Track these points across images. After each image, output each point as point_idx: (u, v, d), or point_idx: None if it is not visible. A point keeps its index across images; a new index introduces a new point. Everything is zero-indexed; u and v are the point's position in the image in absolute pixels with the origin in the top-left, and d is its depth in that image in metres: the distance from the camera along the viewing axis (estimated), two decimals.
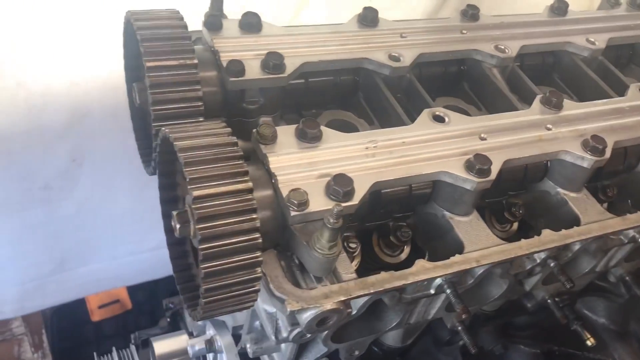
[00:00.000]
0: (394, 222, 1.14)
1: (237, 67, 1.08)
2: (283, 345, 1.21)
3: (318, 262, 0.89)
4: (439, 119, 1.13)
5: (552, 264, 1.23)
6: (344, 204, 0.92)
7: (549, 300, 1.51)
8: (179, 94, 1.01)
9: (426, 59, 1.28)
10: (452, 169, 1.03)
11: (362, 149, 1.02)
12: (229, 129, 0.91)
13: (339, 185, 0.92)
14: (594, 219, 1.16)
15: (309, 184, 0.93)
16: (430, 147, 1.06)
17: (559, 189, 1.19)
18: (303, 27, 1.26)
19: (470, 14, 1.41)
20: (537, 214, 1.24)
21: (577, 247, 1.21)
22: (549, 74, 1.50)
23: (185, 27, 1.06)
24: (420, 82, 1.29)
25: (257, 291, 0.88)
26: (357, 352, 1.30)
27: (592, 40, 1.45)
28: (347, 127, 1.20)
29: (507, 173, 1.13)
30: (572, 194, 1.19)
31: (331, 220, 0.84)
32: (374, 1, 2.19)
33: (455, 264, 1.01)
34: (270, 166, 0.95)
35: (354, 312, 1.05)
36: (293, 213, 0.89)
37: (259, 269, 0.85)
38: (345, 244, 1.06)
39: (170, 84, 1.00)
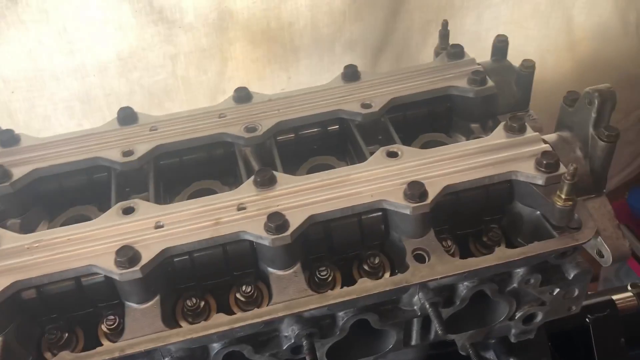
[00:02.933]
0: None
1: None
2: None
3: None
4: (127, 211, 1.20)
5: (304, 342, 1.21)
6: None
7: None
8: None
9: None
10: (101, 261, 1.10)
11: (24, 249, 1.13)
12: None
13: None
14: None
15: None
16: (88, 245, 1.13)
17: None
18: (65, 134, 1.41)
19: (239, 96, 1.46)
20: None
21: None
22: (341, 141, 1.48)
23: None
24: None
25: None
26: None
27: (368, 103, 1.41)
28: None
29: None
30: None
31: None
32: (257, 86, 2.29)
33: (97, 354, 1.06)
34: None
35: None
36: None
37: None
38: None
39: None
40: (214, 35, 2.13)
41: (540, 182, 1.20)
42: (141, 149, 1.34)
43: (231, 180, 1.44)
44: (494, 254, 1.17)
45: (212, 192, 1.37)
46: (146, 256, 1.10)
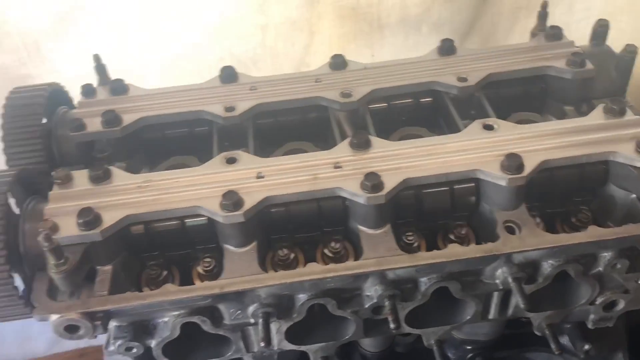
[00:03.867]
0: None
1: (76, 124, 1.36)
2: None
3: (54, 280, 1.10)
4: (230, 161, 1.26)
5: (386, 302, 1.24)
6: (88, 232, 1.12)
7: (435, 347, 1.45)
8: (22, 147, 1.32)
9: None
10: (208, 204, 1.16)
11: (134, 187, 1.21)
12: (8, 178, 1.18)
13: (82, 217, 1.12)
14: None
15: (71, 213, 1.15)
16: (194, 188, 1.20)
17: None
18: (169, 87, 1.50)
19: (336, 63, 1.51)
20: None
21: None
22: (433, 114, 1.51)
23: (42, 99, 1.38)
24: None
25: (10, 297, 1.12)
26: None
27: (464, 77, 1.43)
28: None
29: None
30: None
31: (45, 244, 1.05)
32: None
33: (198, 289, 1.13)
34: (49, 200, 1.19)
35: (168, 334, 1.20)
36: (38, 239, 1.11)
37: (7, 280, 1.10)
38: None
39: (17, 139, 1.33)
40: (304, 8, 2.18)
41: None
42: (242, 106, 1.40)
43: (321, 145, 1.48)
44: (586, 232, 1.17)
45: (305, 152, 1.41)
46: (249, 202, 1.16)
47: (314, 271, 1.15)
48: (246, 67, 2.28)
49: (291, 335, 1.30)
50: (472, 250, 1.16)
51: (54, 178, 1.23)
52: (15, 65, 2.08)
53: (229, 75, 1.48)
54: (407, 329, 1.34)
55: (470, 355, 1.57)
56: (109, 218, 1.14)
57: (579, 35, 1.58)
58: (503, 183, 1.17)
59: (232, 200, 1.14)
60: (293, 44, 2.26)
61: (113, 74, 1.55)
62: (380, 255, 1.17)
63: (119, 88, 1.47)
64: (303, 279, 1.14)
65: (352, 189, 1.17)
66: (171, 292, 1.13)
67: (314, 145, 1.45)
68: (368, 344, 1.54)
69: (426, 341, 1.44)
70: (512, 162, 1.16)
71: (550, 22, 2.37)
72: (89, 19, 2.06)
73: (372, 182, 1.15)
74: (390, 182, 1.17)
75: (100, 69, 1.51)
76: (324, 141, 1.48)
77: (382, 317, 1.31)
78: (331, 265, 1.16)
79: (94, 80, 1.55)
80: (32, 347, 3.10)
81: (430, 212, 1.27)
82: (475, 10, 2.34)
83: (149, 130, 1.44)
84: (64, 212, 1.17)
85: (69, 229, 1.13)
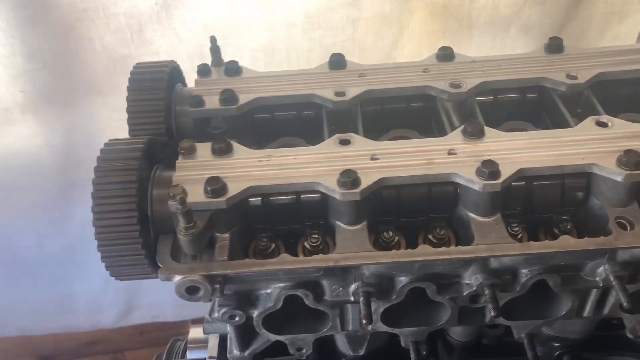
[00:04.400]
0: None
1: (196, 100, 1.43)
2: (229, 328, 1.46)
3: (181, 242, 1.16)
4: (344, 142, 1.31)
5: (486, 291, 1.26)
6: (214, 199, 1.18)
7: (525, 340, 1.46)
8: (145, 119, 1.40)
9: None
10: (326, 180, 1.21)
11: (255, 162, 1.27)
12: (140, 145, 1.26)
13: (210, 185, 1.19)
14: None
15: (196, 181, 1.22)
16: (311, 166, 1.25)
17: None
18: (280, 71, 1.55)
19: (444, 55, 1.53)
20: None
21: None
22: (536, 110, 1.52)
23: (164, 74, 1.45)
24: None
25: (137, 256, 1.19)
26: (304, 350, 1.47)
27: (574, 75, 1.43)
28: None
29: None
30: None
31: (179, 207, 1.12)
32: None
33: (314, 260, 1.17)
34: (176, 169, 1.26)
35: (271, 304, 1.26)
36: (170, 202, 1.18)
37: (137, 239, 1.17)
38: None
39: (141, 111, 1.41)
40: (397, 3, 2.21)
41: None
42: (352, 92, 1.44)
43: (425, 134, 1.51)
44: None
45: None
46: (365, 182, 1.19)
47: (427, 252, 1.18)
48: None
49: (386, 317, 1.33)
50: (585, 243, 1.17)
51: (180, 148, 1.30)
52: (118, 45, 2.19)
53: (337, 61, 1.53)
54: (502, 319, 1.35)
55: (557, 352, 1.57)
56: (233, 188, 1.20)
57: None
58: (619, 179, 1.18)
59: (350, 178, 1.18)
60: (382, 38, 2.30)
61: (207, 58, 1.62)
62: (492, 243, 1.19)
63: (233, 69, 1.53)
64: (416, 259, 1.17)
65: (468, 176, 1.19)
66: (288, 261, 1.18)
67: (418, 134, 1.48)
68: (456, 333, 1.56)
69: (517, 334, 1.46)
70: (631, 158, 1.17)
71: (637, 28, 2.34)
72: (191, 5, 2.15)
73: (490, 169, 1.17)
74: (505, 171, 1.19)
75: (215, 49, 1.57)
76: (428, 130, 1.51)
77: (477, 306, 1.34)
78: (444, 249, 1.19)
79: (189, 65, 1.63)
80: (100, 319, 3.23)
81: (538, 204, 1.29)
82: (566, 13, 2.33)
83: (259, 111, 1.50)
84: (189, 180, 1.23)
85: (195, 195, 1.19)
